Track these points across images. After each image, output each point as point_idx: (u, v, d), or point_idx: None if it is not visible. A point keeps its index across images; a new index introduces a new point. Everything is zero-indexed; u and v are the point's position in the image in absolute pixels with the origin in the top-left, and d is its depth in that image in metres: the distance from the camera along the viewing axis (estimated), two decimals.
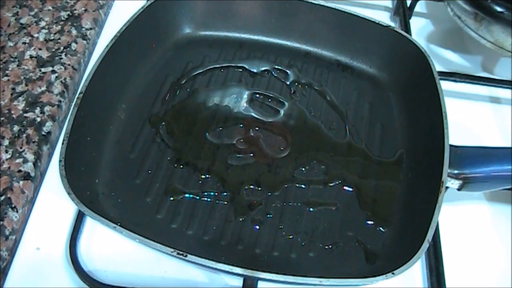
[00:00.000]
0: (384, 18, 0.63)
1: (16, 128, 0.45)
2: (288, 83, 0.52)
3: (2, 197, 0.40)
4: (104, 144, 0.44)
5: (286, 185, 0.44)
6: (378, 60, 0.53)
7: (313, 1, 0.52)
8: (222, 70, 0.52)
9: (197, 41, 0.55)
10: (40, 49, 0.52)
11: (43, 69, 0.50)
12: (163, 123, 0.47)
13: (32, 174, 0.43)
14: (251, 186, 0.43)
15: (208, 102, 0.49)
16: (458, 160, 0.40)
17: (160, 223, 0.41)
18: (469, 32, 0.54)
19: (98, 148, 0.44)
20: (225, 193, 0.43)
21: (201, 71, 0.52)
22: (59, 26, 0.54)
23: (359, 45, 0.53)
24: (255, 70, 0.52)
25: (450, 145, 0.40)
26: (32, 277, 0.39)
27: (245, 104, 0.49)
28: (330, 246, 0.40)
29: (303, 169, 0.45)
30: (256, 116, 0.48)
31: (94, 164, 0.43)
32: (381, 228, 0.41)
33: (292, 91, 0.51)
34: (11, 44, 0.52)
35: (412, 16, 0.62)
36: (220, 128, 0.47)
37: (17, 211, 0.40)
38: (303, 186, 0.44)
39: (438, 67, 0.57)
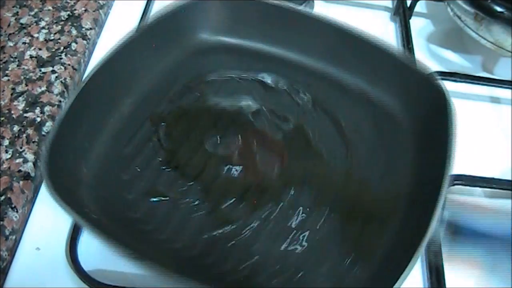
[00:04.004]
0: (384, 18, 0.63)
1: (16, 128, 0.45)
2: (300, 102, 0.49)
3: (2, 197, 0.40)
4: (99, 135, 0.44)
5: (270, 205, 0.41)
6: (398, 94, 0.48)
7: (339, 24, 0.49)
8: (235, 79, 0.51)
9: (215, 47, 0.53)
10: (40, 49, 0.52)
11: (43, 69, 0.50)
12: (164, 123, 0.47)
13: (32, 174, 0.43)
14: (234, 201, 0.41)
15: (214, 109, 0.48)
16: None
17: (136, 223, 0.39)
18: (469, 32, 0.54)
19: (92, 138, 0.43)
20: (206, 203, 0.41)
21: (213, 78, 0.50)
22: (59, 26, 0.54)
23: (380, 75, 0.49)
24: (268, 84, 0.50)
25: None
26: (32, 277, 0.39)
27: (250, 117, 0.48)
28: (299, 275, 0.37)
29: (292, 192, 0.42)
30: (258, 131, 0.47)
31: (84, 152, 0.42)
32: (358, 268, 0.38)
33: (302, 112, 0.48)
34: (11, 44, 0.52)
35: (412, 16, 0.62)
36: (219, 137, 0.46)
37: (17, 211, 0.40)
38: (287, 210, 0.41)
39: (438, 67, 0.57)
